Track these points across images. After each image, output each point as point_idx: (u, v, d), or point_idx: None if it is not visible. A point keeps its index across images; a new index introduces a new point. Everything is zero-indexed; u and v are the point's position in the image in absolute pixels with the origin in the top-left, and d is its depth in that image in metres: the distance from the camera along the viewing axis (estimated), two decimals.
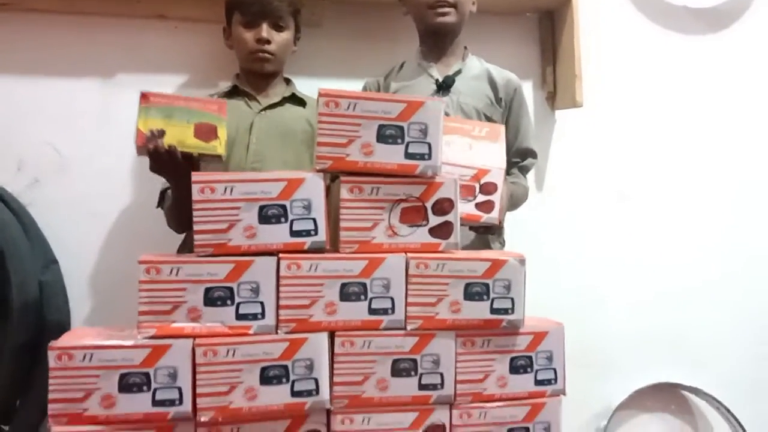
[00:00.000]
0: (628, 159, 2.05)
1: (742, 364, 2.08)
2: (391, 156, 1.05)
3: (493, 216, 1.23)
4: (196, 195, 1.00)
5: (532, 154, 1.63)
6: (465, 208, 1.19)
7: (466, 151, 1.24)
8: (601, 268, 2.01)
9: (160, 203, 1.51)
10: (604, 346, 1.99)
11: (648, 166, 2.06)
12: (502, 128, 1.32)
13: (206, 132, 1.22)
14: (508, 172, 1.57)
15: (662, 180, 2.07)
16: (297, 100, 1.63)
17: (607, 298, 2.01)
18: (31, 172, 1.69)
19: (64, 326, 1.59)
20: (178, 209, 1.41)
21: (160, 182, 1.46)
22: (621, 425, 2.01)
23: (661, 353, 2.04)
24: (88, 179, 1.71)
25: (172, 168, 1.26)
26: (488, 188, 1.23)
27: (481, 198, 1.22)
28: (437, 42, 1.59)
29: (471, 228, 1.35)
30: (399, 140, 1.05)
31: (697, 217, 2.08)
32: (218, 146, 1.23)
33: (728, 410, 2.01)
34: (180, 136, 1.21)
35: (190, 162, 1.25)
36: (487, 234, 1.42)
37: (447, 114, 1.44)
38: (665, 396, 2.05)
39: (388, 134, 1.05)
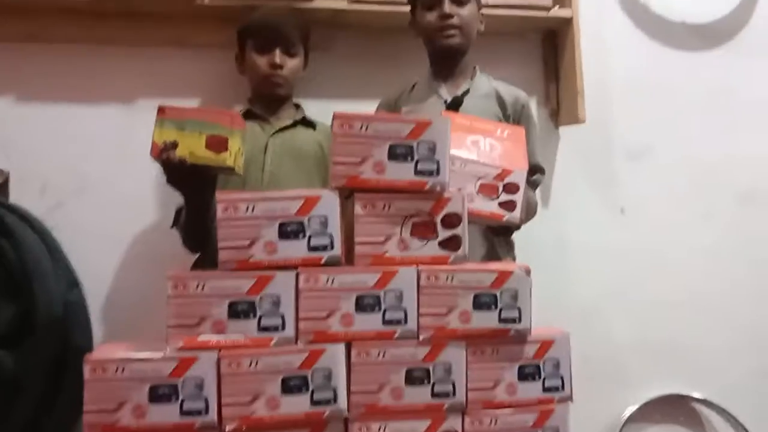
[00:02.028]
0: (629, 174, 2.09)
1: (750, 375, 2.10)
2: (401, 173, 1.10)
3: (515, 215, 1.25)
4: (220, 213, 1.05)
5: (541, 169, 1.66)
6: (488, 206, 1.22)
7: (490, 151, 1.27)
8: (606, 280, 2.04)
9: (175, 222, 1.55)
10: (611, 358, 2.01)
11: (649, 180, 2.10)
12: (522, 131, 1.35)
13: (217, 144, 1.25)
14: None
15: (664, 192, 2.10)
16: (307, 123, 1.69)
17: (613, 310, 2.04)
18: (55, 195, 1.75)
19: (88, 345, 1.64)
20: (192, 225, 1.45)
21: (176, 203, 1.51)
22: None
23: (668, 365, 2.06)
24: (109, 202, 1.77)
25: (185, 180, 1.30)
26: (511, 188, 1.25)
27: (504, 197, 1.24)
28: (446, 63, 1.64)
29: (491, 228, 1.36)
30: (409, 158, 1.10)
31: (701, 229, 2.11)
32: (228, 158, 1.26)
33: (738, 422, 2.02)
34: (192, 148, 1.25)
35: (204, 174, 1.29)
36: (505, 235, 1.43)
37: None
38: (674, 408, 2.07)
39: (398, 153, 1.10)
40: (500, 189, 1.24)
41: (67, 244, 1.70)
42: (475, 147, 1.26)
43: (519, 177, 1.26)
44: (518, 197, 1.25)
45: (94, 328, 1.71)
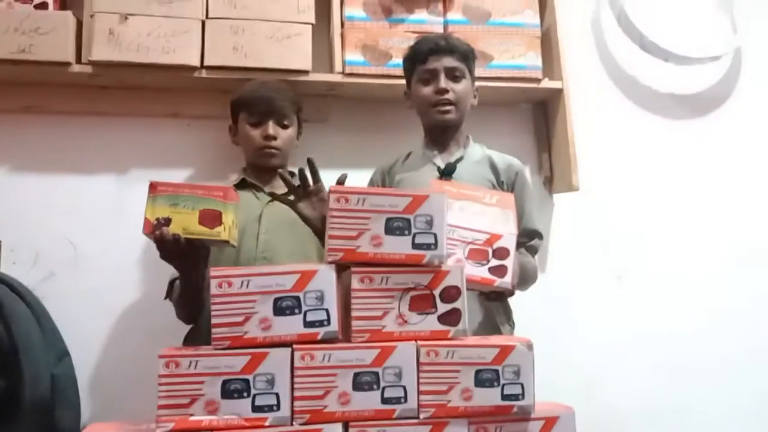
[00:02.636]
0: (625, 239, 2.10)
1: None
2: (399, 247, 1.09)
3: (506, 281, 1.24)
4: (214, 289, 1.03)
5: (539, 235, 1.65)
6: (479, 272, 1.21)
7: (479, 216, 1.27)
8: (607, 345, 2.02)
9: (168, 294, 1.54)
10: (614, 425, 1.97)
11: (644, 245, 2.11)
12: (511, 197, 1.35)
13: (211, 218, 1.25)
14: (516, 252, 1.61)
15: (660, 258, 2.11)
16: None
17: (615, 377, 2.01)
18: (47, 265, 1.74)
19: (74, 422, 1.58)
20: (186, 297, 1.44)
21: (169, 274, 1.49)
22: None
23: (674, 430, 2.01)
24: (101, 272, 1.76)
25: (180, 255, 1.29)
26: (501, 253, 1.24)
27: (494, 262, 1.24)
28: (440, 134, 1.66)
29: (484, 294, 1.36)
30: (406, 232, 1.10)
31: (697, 295, 2.11)
32: (222, 232, 1.26)
33: None
34: (185, 223, 1.25)
35: (198, 248, 1.29)
36: (497, 301, 1.42)
37: None
38: None
39: (395, 226, 1.09)
40: (490, 254, 1.24)
41: (58, 315, 1.68)
42: (463, 213, 1.26)
43: (509, 241, 1.26)
44: (509, 262, 1.25)
45: (83, 401, 1.67)
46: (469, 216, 1.26)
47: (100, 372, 1.74)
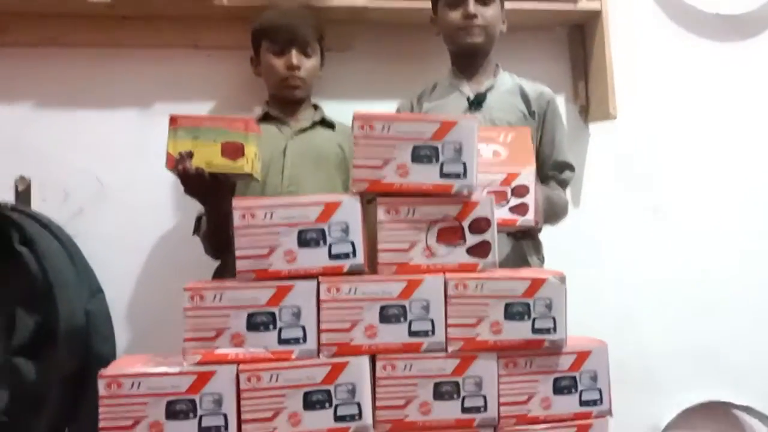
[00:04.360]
0: (664, 171, 2.02)
1: None
2: (426, 176, 1.05)
3: (528, 218, 1.22)
4: (237, 221, 1.02)
5: (570, 167, 1.61)
6: (499, 213, 1.18)
7: (494, 156, 1.24)
8: (640, 283, 1.97)
9: (196, 230, 1.53)
10: (646, 364, 1.94)
11: (684, 177, 2.03)
12: (528, 131, 1.31)
13: (233, 151, 1.23)
14: (545, 185, 1.55)
15: (699, 192, 2.03)
16: (327, 124, 1.65)
17: (648, 314, 1.97)
18: (76, 202, 1.74)
19: (110, 355, 1.62)
20: (213, 233, 1.44)
21: (197, 209, 1.48)
22: None
23: (708, 371, 1.98)
24: (129, 208, 1.75)
25: (203, 189, 1.28)
26: (520, 191, 1.22)
27: (514, 201, 1.21)
28: (468, 61, 1.60)
29: (509, 234, 1.33)
30: (434, 160, 1.06)
31: (737, 230, 2.03)
32: (245, 165, 1.23)
33: None
34: (208, 157, 1.22)
35: (223, 182, 1.26)
36: (525, 239, 1.40)
37: None
38: (715, 415, 1.99)
39: (422, 155, 1.05)
40: (509, 194, 1.21)
41: (89, 251, 1.69)
42: (478, 155, 1.21)
43: (527, 178, 1.22)
44: (529, 199, 1.22)
45: (118, 336, 1.70)
46: (484, 157, 1.22)
47: (132, 307, 1.75)
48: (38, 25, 1.73)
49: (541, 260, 1.58)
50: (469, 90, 1.58)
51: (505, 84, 1.60)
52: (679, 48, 2.07)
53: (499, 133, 1.28)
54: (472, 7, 1.51)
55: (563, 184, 1.61)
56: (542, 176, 1.57)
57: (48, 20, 1.73)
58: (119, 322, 1.72)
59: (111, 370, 0.98)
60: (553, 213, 1.52)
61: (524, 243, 1.53)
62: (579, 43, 1.99)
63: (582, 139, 1.98)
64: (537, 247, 1.58)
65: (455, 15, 1.54)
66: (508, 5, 1.62)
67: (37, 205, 1.72)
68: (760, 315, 2.01)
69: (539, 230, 1.35)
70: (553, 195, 1.53)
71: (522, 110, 1.56)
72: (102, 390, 0.96)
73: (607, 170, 1.99)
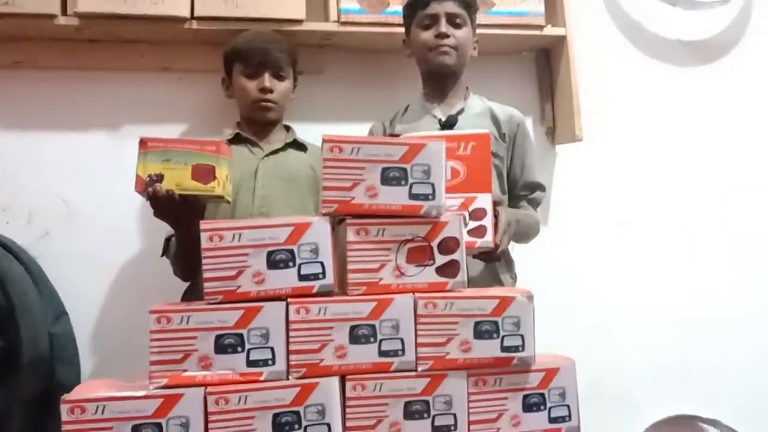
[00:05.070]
0: (629, 189, 2.07)
1: (762, 395, 2.05)
2: (395, 197, 1.06)
3: (486, 240, 1.24)
4: (205, 243, 1.01)
5: (540, 187, 1.63)
6: None
7: (453, 177, 1.25)
8: (609, 299, 2.01)
9: (165, 252, 1.52)
10: (615, 379, 1.97)
11: (649, 195, 2.08)
12: (488, 136, 1.30)
13: (204, 173, 1.23)
14: (517, 205, 1.59)
15: (665, 209, 2.08)
16: (298, 145, 1.66)
17: (617, 329, 2.00)
18: (41, 225, 1.72)
19: (74, 378, 1.59)
20: (183, 255, 1.43)
21: (165, 231, 1.47)
22: None
23: (677, 385, 2.02)
24: (96, 230, 1.73)
25: (174, 212, 1.27)
26: (477, 214, 1.24)
27: (472, 224, 1.23)
28: (439, 83, 1.62)
29: (473, 256, 1.35)
30: (403, 182, 1.06)
31: (703, 245, 2.09)
32: (216, 187, 1.23)
33: None
34: (178, 179, 1.22)
35: (193, 204, 1.26)
36: (489, 261, 1.42)
37: None
38: (683, 429, 2.02)
39: (391, 176, 1.06)
40: (467, 217, 1.23)
41: (54, 274, 1.67)
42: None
43: (484, 201, 1.25)
44: (487, 221, 1.25)
45: (83, 359, 1.67)
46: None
47: (98, 330, 1.73)
48: (5, 48, 1.72)
49: (514, 278, 1.60)
50: (440, 113, 1.60)
51: (475, 107, 1.62)
52: (642, 72, 2.13)
53: (459, 144, 1.28)
54: (444, 27, 1.54)
55: (534, 203, 1.63)
56: (513, 196, 1.60)
57: (15, 43, 1.72)
58: (84, 345, 1.69)
59: (74, 394, 0.96)
60: (525, 232, 1.53)
61: (496, 262, 1.54)
62: (546, 67, 2.04)
63: (549, 159, 2.02)
64: (509, 266, 1.60)
65: (427, 35, 1.56)
66: (478, 31, 1.65)
67: (0, 227, 1.68)
68: (727, 328, 2.06)
69: (501, 252, 1.36)
70: (526, 215, 1.55)
71: (492, 132, 1.56)
72: (65, 415, 0.93)
73: (574, 189, 2.03)
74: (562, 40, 1.93)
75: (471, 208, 1.24)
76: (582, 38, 1.97)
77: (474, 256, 1.34)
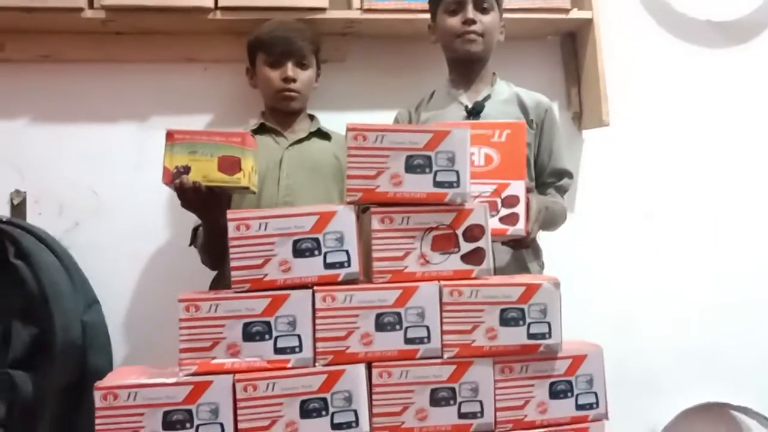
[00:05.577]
0: (657, 175, 2.03)
1: None
2: (420, 185, 1.06)
3: (519, 228, 1.23)
4: (231, 232, 1.02)
5: (568, 174, 1.62)
6: (490, 224, 1.19)
7: (486, 164, 1.24)
8: (637, 286, 1.98)
9: (193, 241, 1.54)
10: (643, 366, 1.95)
11: (677, 180, 2.04)
12: (523, 125, 1.30)
13: (230, 165, 1.24)
14: (544, 192, 1.57)
15: (693, 194, 2.04)
16: (322, 134, 1.66)
17: (645, 316, 1.98)
18: (72, 215, 1.75)
19: (106, 366, 1.62)
20: (210, 245, 1.45)
21: (193, 220, 1.49)
22: None
23: (706, 372, 1.99)
24: (125, 220, 1.76)
25: (201, 203, 1.28)
26: (510, 201, 1.23)
27: (504, 212, 1.23)
28: (466, 70, 1.60)
29: (503, 243, 1.34)
30: (427, 169, 1.06)
31: (731, 232, 2.05)
32: (242, 178, 1.25)
33: None
34: (204, 171, 1.23)
35: (220, 195, 1.27)
36: (518, 248, 1.41)
37: None
38: (713, 416, 2.00)
39: (416, 164, 1.06)
40: (499, 204, 1.22)
41: (85, 264, 1.70)
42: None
43: (518, 188, 1.24)
44: (520, 208, 1.23)
45: (115, 347, 1.71)
46: (476, 165, 1.22)
47: (129, 318, 1.76)
48: (34, 42, 1.75)
49: (541, 266, 1.59)
50: (466, 99, 1.58)
51: (502, 93, 1.60)
52: (671, 55, 2.08)
53: (493, 131, 1.27)
54: (471, 12, 1.52)
55: (561, 190, 1.61)
56: (541, 183, 1.59)
57: (43, 37, 1.74)
58: (115, 333, 1.73)
59: (107, 381, 0.98)
60: (552, 220, 1.52)
61: (524, 250, 1.54)
62: (572, 51, 2.01)
63: (576, 145, 1.99)
64: (537, 254, 1.59)
65: (454, 21, 1.54)
66: (503, 16, 1.62)
67: (32, 218, 1.72)
68: (756, 315, 2.02)
69: (531, 239, 1.35)
70: (553, 202, 1.54)
71: (520, 119, 1.55)
72: (98, 401, 0.95)
73: (601, 176, 2.00)
74: (588, 23, 1.89)
75: (503, 195, 1.23)
76: (608, 21, 1.93)
77: (503, 243, 1.33)
